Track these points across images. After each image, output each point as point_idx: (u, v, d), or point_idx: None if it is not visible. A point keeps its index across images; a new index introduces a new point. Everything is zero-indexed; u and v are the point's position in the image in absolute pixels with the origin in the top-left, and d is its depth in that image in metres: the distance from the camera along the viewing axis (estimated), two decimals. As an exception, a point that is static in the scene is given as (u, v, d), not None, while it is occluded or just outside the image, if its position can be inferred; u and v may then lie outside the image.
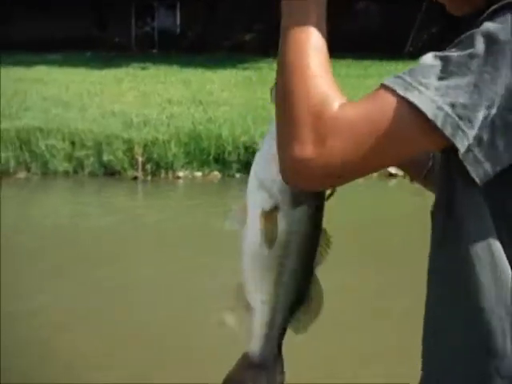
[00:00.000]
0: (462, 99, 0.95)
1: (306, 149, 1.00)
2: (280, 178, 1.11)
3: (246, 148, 12.40)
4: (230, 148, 12.44)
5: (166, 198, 11.32)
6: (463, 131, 0.95)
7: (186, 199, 11.55)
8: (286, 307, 1.29)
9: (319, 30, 1.06)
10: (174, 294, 6.28)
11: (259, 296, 1.28)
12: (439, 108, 0.95)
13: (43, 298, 6.03)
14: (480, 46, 0.96)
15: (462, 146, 0.96)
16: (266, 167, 1.21)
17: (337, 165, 1.00)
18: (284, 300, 1.28)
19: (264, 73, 20.04)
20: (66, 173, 12.16)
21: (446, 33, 23.98)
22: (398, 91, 0.98)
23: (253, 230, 1.25)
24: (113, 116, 13.75)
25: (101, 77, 18.22)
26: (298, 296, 1.28)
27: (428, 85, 0.97)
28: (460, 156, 0.97)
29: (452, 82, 0.95)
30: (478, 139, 0.96)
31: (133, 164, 12.21)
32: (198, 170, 12.45)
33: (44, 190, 11.58)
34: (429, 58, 1.00)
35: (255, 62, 21.94)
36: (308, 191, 1.18)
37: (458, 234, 1.09)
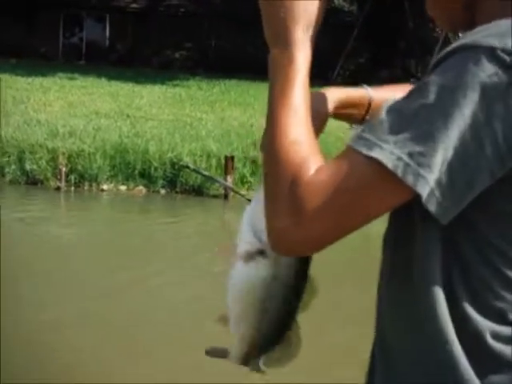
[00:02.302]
0: (418, 148, 0.99)
1: (283, 220, 1.04)
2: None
3: (173, 164, 12.42)
4: (156, 163, 12.40)
5: (88, 210, 11.24)
6: (423, 177, 0.99)
7: (109, 212, 11.49)
8: (260, 347, 1.31)
9: (303, 89, 1.11)
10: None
11: (237, 334, 1.31)
12: (399, 159, 0.99)
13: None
14: (431, 95, 1.00)
15: (423, 191, 1.00)
16: (257, 214, 1.20)
17: (314, 233, 1.04)
18: (260, 341, 1.30)
19: (193, 90, 20.18)
20: (-14, 179, 11.93)
21: (377, 63, 24.63)
22: (362, 151, 1.02)
23: (238, 271, 1.25)
24: (38, 124, 13.53)
25: (27, 84, 17.94)
26: (274, 339, 1.30)
27: (387, 140, 1.01)
28: (423, 201, 1.00)
29: (408, 133, 1.00)
30: (439, 182, 1.00)
31: (56, 174, 12.05)
32: (123, 184, 12.34)
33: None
34: (386, 113, 1.04)
35: (185, 79, 22.01)
36: None
37: (406, 265, 1.13)
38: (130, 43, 26.95)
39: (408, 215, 1.10)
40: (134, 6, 27.61)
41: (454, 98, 0.99)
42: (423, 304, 1.11)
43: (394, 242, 1.19)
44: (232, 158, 12.25)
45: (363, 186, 1.02)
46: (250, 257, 1.22)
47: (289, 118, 1.10)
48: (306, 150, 1.07)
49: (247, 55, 25.05)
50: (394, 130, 1.02)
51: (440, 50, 1.16)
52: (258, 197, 1.21)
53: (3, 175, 12.00)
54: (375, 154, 1.00)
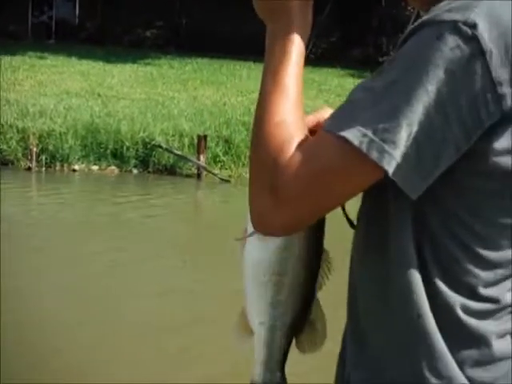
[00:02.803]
0: (383, 124, 0.99)
1: (264, 201, 1.06)
2: None
3: (145, 144, 12.38)
4: (128, 143, 12.36)
5: (60, 190, 11.13)
6: (388, 153, 0.99)
7: (81, 192, 11.43)
8: (284, 328, 1.24)
9: (296, 73, 1.12)
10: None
11: (257, 318, 1.25)
12: (364, 135, 0.99)
13: None
14: (396, 72, 1.02)
15: (389, 167, 1.00)
16: None
17: (291, 214, 1.05)
18: (282, 321, 1.24)
19: (164, 69, 20.03)
20: (-46, 161, 11.79)
21: (348, 41, 24.61)
22: (332, 131, 1.02)
23: (252, 249, 1.23)
24: (7, 104, 13.38)
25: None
26: (297, 317, 1.24)
27: (356, 118, 1.01)
28: (390, 176, 1.00)
29: (375, 110, 1.01)
30: (405, 157, 1.00)
31: (27, 154, 11.95)
32: (95, 164, 12.30)
33: None
34: (356, 92, 1.06)
35: (156, 58, 21.84)
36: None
37: (380, 243, 1.14)
38: (99, 21, 26.62)
39: (381, 193, 1.10)
40: (103, -17, 27.33)
41: (417, 73, 0.99)
42: (397, 280, 1.12)
43: (368, 220, 1.19)
44: (205, 137, 12.22)
45: (335, 166, 1.03)
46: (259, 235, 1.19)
47: (279, 96, 1.10)
48: (290, 131, 1.07)
49: (219, 33, 24.89)
50: (361, 107, 1.03)
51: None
52: None
53: (-28, 157, 11.88)
54: (343, 132, 1.01)
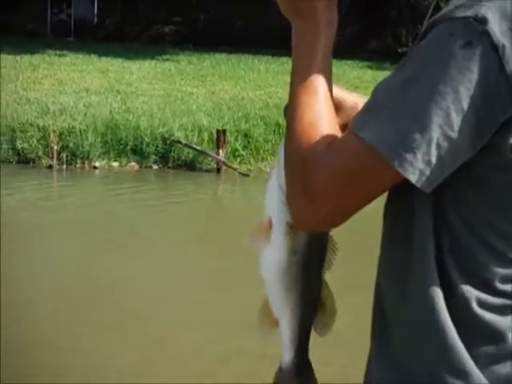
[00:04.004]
0: (402, 125, 1.01)
1: (299, 200, 1.10)
2: None
3: (164, 140, 12.38)
4: (147, 139, 12.37)
5: (81, 188, 11.19)
6: (409, 161, 1.01)
7: (102, 189, 11.45)
8: (310, 314, 1.31)
9: (324, 71, 1.13)
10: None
11: (287, 306, 1.29)
12: (385, 141, 1.01)
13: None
14: (415, 70, 1.03)
15: (412, 176, 1.02)
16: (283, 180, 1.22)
17: (324, 212, 1.08)
18: (310, 308, 1.30)
19: (183, 65, 20.04)
20: (-23, 160, 11.86)
21: (366, 32, 24.48)
22: (355, 132, 1.04)
23: (278, 245, 1.25)
24: (28, 103, 13.46)
25: (14, 63, 17.72)
26: (317, 301, 1.31)
27: (379, 120, 1.03)
28: (413, 182, 1.03)
29: (394, 110, 1.02)
30: (426, 161, 1.01)
31: (48, 152, 12.00)
32: (115, 161, 12.32)
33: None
34: (379, 91, 1.07)
35: (175, 54, 21.86)
36: None
37: (402, 238, 1.15)
38: (118, 19, 26.72)
39: (404, 191, 1.10)
40: (121, -20, 27.38)
41: (433, 72, 1.00)
42: (415, 274, 1.12)
43: (392, 217, 1.20)
44: (224, 131, 12.21)
45: (358, 167, 1.05)
46: (291, 227, 1.23)
47: (309, 97, 1.11)
48: (320, 131, 1.10)
49: (236, 28, 24.88)
50: (382, 107, 1.04)
51: (430, 19, 1.14)
52: (280, 164, 1.21)
53: (-5, 155, 11.95)
54: (364, 134, 1.03)
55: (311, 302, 1.30)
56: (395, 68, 1.08)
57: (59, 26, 27.59)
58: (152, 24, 25.83)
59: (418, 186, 1.03)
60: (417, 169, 1.01)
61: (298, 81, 1.13)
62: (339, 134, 1.11)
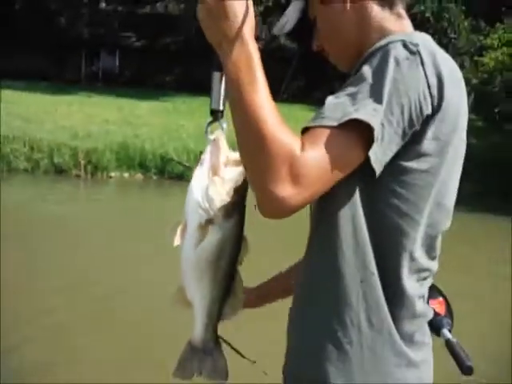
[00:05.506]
0: (365, 116, 0.93)
1: (286, 189, 0.91)
2: (215, 198, 1.06)
3: (162, 158, 12.36)
4: (150, 157, 12.34)
5: (101, 191, 11.09)
6: (373, 144, 0.94)
7: (116, 193, 11.37)
8: (219, 299, 1.16)
9: (266, 85, 0.96)
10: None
11: (199, 293, 1.15)
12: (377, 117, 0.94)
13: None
14: (368, 79, 0.96)
15: (372, 154, 0.94)
16: (202, 191, 1.09)
17: (309, 197, 0.94)
18: (218, 294, 1.15)
19: (177, 105, 19.94)
20: (26, 170, 11.71)
21: (310, 84, 24.56)
22: (332, 124, 0.94)
23: (192, 241, 1.11)
24: (63, 129, 13.31)
25: (56, 100, 17.54)
26: (227, 289, 1.16)
27: (345, 112, 0.94)
28: (372, 162, 0.95)
29: (355, 107, 0.94)
30: (382, 145, 0.94)
31: (77, 165, 11.89)
32: (126, 172, 12.27)
33: (8, 183, 11.08)
34: (330, 100, 0.97)
35: (172, 96, 21.78)
36: (242, 207, 1.09)
37: (329, 213, 1.04)
38: (134, 70, 26.61)
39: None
40: (136, 44, 27.34)
41: (383, 78, 0.95)
42: (344, 247, 1.02)
43: (321, 199, 1.03)
44: (205, 152, 12.15)
45: (342, 151, 0.94)
46: (202, 227, 1.09)
47: (264, 104, 0.94)
48: (286, 129, 0.94)
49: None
50: (346, 104, 0.95)
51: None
52: (199, 177, 1.08)
53: (38, 167, 11.81)
54: (353, 115, 0.92)
55: (219, 289, 1.14)
56: (344, 86, 0.99)
57: (91, 75, 27.34)
58: (158, 74, 25.75)
59: (376, 170, 0.95)
60: (377, 156, 0.94)
61: (250, 94, 0.93)
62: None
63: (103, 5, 27.91)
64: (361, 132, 0.93)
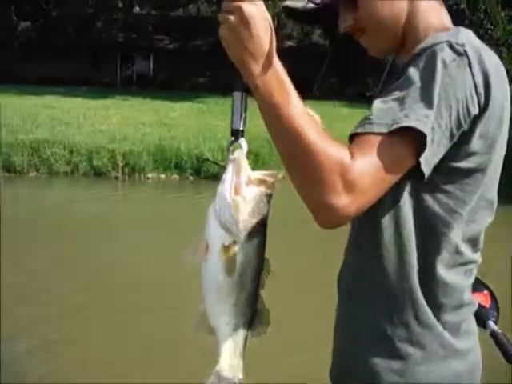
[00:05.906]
0: (417, 121, 0.93)
1: (342, 199, 0.91)
2: (237, 218, 1.03)
3: (198, 158, 12.45)
4: (185, 158, 12.42)
5: (138, 192, 11.24)
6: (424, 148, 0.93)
7: (154, 193, 11.50)
8: (245, 325, 1.11)
9: (299, 100, 0.95)
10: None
11: (223, 318, 1.10)
12: (426, 123, 0.93)
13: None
14: (416, 82, 0.95)
15: (422, 158, 0.95)
16: (225, 211, 1.06)
17: (364, 204, 0.95)
18: (243, 319, 1.10)
19: (211, 106, 20.02)
20: (66, 173, 11.94)
21: (342, 81, 24.32)
22: (382, 131, 0.93)
23: (214, 263, 1.07)
24: (101, 133, 13.52)
25: (93, 105, 17.83)
26: (252, 313, 1.11)
27: (398, 120, 0.93)
28: (422, 166, 0.95)
29: (405, 112, 0.93)
30: (431, 150, 0.94)
31: (115, 168, 12.08)
32: (163, 173, 12.39)
33: (49, 185, 11.37)
34: (382, 103, 0.96)
35: (206, 98, 21.88)
36: (264, 227, 1.06)
37: (375, 218, 1.03)
38: (167, 73, 26.86)
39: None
40: (169, 46, 27.55)
41: (431, 81, 0.94)
42: (384, 241, 1.03)
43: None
44: (239, 152, 12.15)
45: (393, 158, 0.94)
46: (225, 249, 1.05)
47: (304, 120, 0.93)
48: (331, 139, 0.94)
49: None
50: (394, 109, 0.94)
51: (389, 69, 1.11)
52: (221, 197, 1.06)
53: (78, 170, 12.04)
54: (405, 123, 0.92)
55: (243, 315, 1.10)
56: (392, 88, 0.98)
57: (126, 79, 27.73)
58: (191, 77, 25.93)
59: (425, 172, 0.94)
60: (427, 160, 0.94)
61: (288, 109, 0.93)
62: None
63: (137, 9, 28.28)
64: (411, 138, 0.93)
